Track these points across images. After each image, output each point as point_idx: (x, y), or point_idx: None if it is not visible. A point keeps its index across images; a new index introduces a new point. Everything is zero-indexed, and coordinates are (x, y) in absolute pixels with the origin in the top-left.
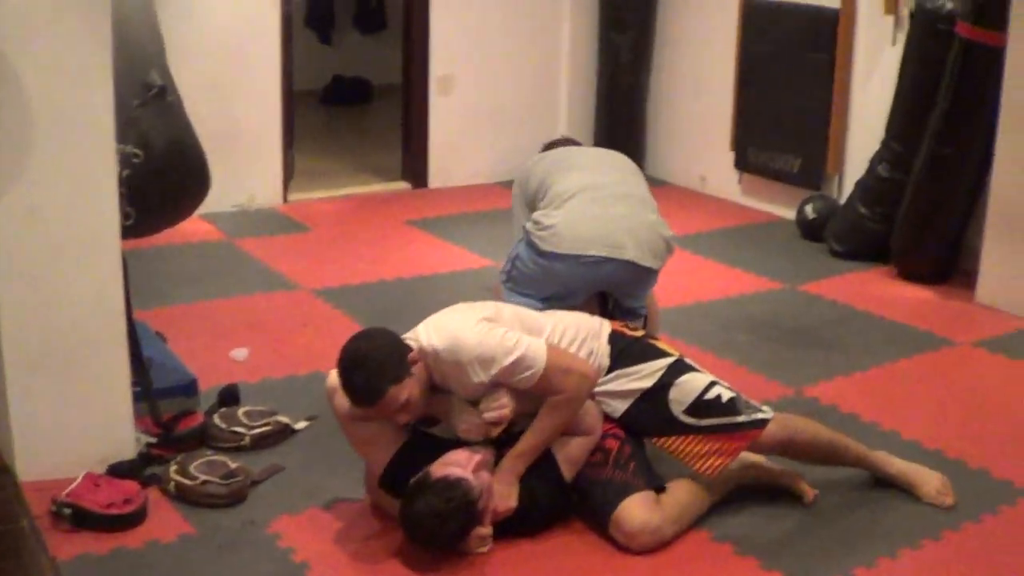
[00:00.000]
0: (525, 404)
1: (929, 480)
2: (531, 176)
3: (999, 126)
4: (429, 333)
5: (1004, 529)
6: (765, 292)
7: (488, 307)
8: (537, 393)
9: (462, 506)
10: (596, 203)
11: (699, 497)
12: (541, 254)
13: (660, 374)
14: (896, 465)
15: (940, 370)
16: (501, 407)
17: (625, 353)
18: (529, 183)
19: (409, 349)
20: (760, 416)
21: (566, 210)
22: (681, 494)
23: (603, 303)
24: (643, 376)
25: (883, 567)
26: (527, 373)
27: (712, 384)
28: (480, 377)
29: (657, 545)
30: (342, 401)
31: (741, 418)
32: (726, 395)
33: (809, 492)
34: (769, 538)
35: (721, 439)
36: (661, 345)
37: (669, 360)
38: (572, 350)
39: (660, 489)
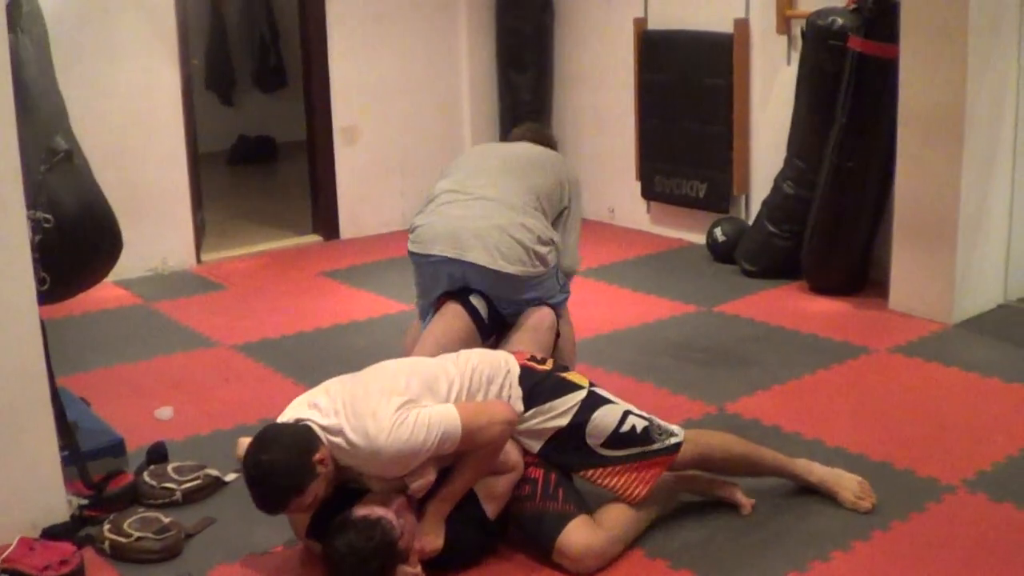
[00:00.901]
0: (448, 459)
1: (847, 486)
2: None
3: (898, 136)
4: (344, 429)
5: (932, 526)
6: (681, 316)
7: (399, 379)
8: (464, 450)
9: (382, 545)
10: (454, 204)
11: (638, 513)
12: (410, 255)
13: (575, 411)
14: (817, 473)
15: (859, 377)
16: (425, 477)
17: (537, 390)
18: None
19: (315, 447)
20: (673, 441)
21: (428, 212)
22: (620, 512)
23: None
24: (558, 414)
25: (816, 570)
26: (446, 447)
27: (626, 415)
28: (400, 471)
29: (603, 565)
30: None
31: (656, 446)
32: (640, 425)
33: (747, 503)
34: (702, 550)
35: (639, 467)
36: (571, 377)
37: (581, 395)
38: (480, 397)
39: (590, 512)
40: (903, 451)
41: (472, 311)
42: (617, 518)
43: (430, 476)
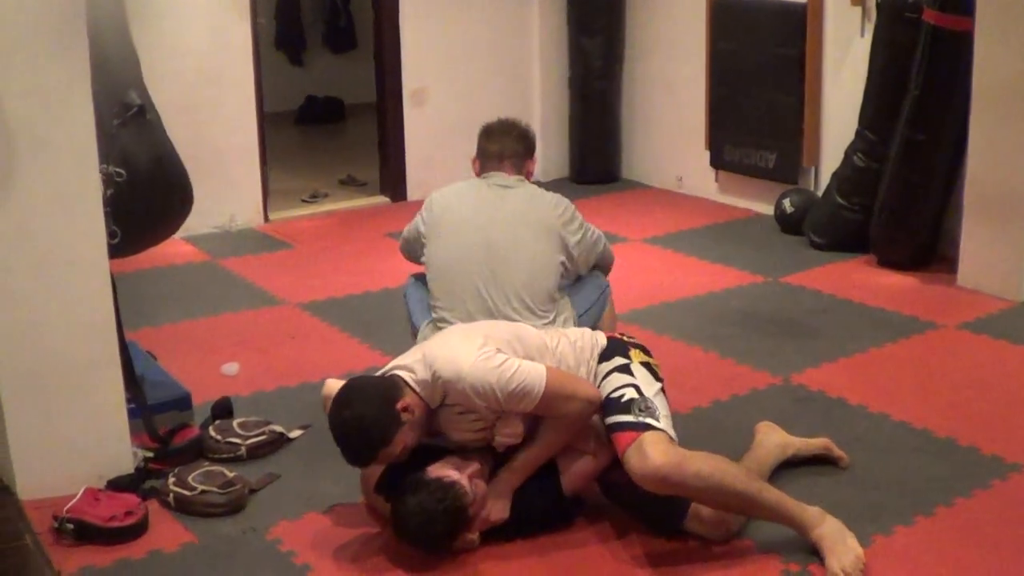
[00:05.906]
0: (537, 426)
1: (840, 554)
2: None
3: (971, 110)
4: (428, 363)
5: (996, 503)
6: (748, 286)
7: (498, 333)
8: (541, 415)
9: (452, 510)
10: None
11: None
12: None
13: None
14: (819, 531)
15: (926, 353)
16: (512, 435)
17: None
18: None
19: (397, 395)
20: (648, 421)
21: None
22: None
23: None
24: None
25: (879, 544)
26: (525, 400)
27: (626, 386)
28: (478, 403)
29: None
30: None
31: (629, 417)
32: (628, 395)
33: (843, 456)
34: (759, 524)
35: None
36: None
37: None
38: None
39: None
40: (968, 428)
41: None
42: None
43: (518, 436)
